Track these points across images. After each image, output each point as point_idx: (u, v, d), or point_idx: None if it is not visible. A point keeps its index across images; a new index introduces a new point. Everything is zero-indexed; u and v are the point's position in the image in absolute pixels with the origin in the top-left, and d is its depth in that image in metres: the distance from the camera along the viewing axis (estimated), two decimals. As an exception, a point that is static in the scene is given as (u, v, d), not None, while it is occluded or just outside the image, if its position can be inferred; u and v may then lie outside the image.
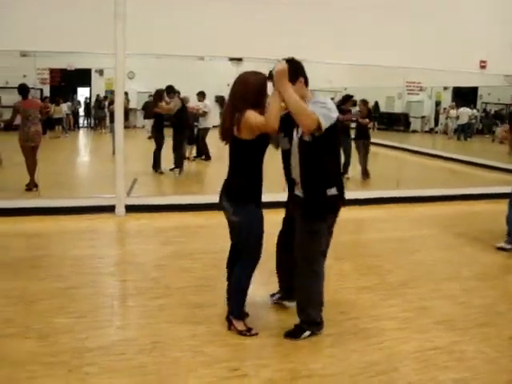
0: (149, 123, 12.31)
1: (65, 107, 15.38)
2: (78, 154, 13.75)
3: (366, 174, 8.99)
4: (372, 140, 13.05)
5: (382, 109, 18.12)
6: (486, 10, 7.58)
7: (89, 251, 4.98)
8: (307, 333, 3.32)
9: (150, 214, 6.40)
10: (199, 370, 2.93)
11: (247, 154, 3.16)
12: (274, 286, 3.87)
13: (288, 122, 3.11)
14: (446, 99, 16.92)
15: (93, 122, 17.40)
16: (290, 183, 3.40)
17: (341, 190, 3.26)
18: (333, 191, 3.19)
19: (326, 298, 3.44)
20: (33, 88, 17.75)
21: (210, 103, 10.63)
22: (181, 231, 5.93)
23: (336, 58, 6.93)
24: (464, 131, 16.09)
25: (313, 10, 6.66)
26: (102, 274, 4.37)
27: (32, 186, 7.08)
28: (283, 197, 3.59)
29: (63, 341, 3.20)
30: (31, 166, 7.18)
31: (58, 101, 15.39)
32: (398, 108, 17.93)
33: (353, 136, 9.27)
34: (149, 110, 10.48)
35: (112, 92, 18.17)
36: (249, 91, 3.09)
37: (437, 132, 17.41)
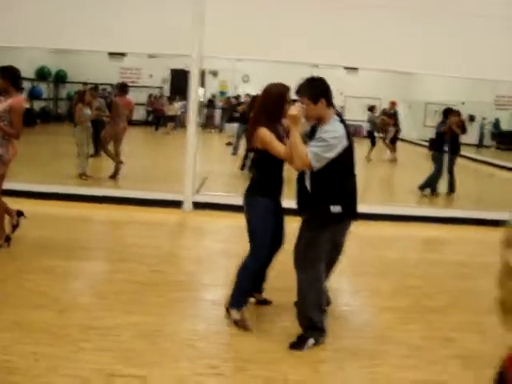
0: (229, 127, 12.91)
1: (179, 105, 16.42)
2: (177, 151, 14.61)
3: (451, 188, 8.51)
4: (490, 160, 12.09)
5: (505, 126, 16.69)
6: None
7: (142, 241, 5.34)
8: (311, 341, 3.28)
9: (216, 212, 6.63)
10: (181, 362, 3.04)
11: (264, 160, 3.33)
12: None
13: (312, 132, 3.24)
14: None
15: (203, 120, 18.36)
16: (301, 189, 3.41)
17: (348, 207, 3.22)
18: (337, 209, 3.17)
19: (344, 314, 3.45)
20: (157, 87, 19.28)
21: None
22: (238, 231, 6.01)
23: (451, 71, 6.72)
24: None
25: (421, 19, 6.42)
26: (142, 263, 4.66)
27: (115, 174, 7.85)
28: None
29: (77, 316, 3.51)
30: (116, 157, 7.96)
31: (172, 99, 16.50)
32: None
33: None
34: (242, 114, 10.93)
35: (226, 93, 19.08)
36: (268, 102, 3.29)
37: None
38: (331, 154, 3.05)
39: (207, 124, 17.66)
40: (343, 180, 3.22)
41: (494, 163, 13.91)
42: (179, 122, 16.39)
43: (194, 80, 6.48)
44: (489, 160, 14.44)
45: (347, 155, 3.15)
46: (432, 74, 7.97)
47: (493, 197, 8.91)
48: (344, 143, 3.09)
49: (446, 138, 8.53)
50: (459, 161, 9.12)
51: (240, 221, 6.27)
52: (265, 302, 3.86)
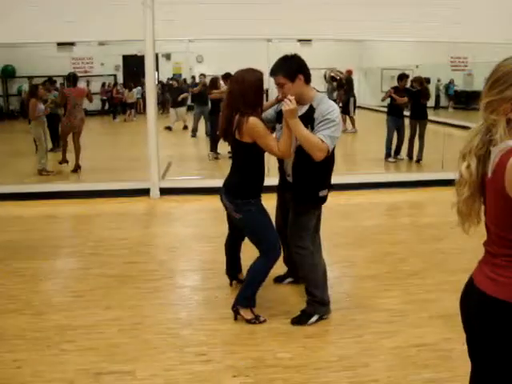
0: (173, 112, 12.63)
1: (135, 92, 16.02)
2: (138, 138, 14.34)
3: (420, 156, 8.57)
4: (447, 121, 12.27)
5: (460, 87, 17.02)
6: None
7: (112, 233, 5.21)
8: (314, 317, 3.30)
9: (183, 197, 6.53)
10: (167, 353, 2.99)
11: (247, 154, 3.16)
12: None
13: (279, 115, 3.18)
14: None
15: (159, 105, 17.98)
16: (282, 171, 3.40)
17: (330, 187, 3.27)
18: (324, 192, 3.21)
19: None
20: (109, 75, 18.69)
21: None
22: (207, 214, 5.99)
23: (411, 35, 6.69)
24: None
25: None
26: (115, 256, 4.55)
27: (77, 168, 7.65)
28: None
29: (53, 318, 3.40)
30: (77, 150, 7.68)
31: (131, 86, 16.07)
32: (477, 86, 16.73)
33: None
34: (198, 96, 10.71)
35: (180, 75, 18.66)
36: (247, 90, 3.06)
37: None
38: (339, 133, 3.02)
39: (163, 108, 17.30)
40: (330, 163, 3.20)
41: (451, 123, 14.21)
42: (136, 108, 16.01)
43: (149, 65, 6.30)
44: (446, 121, 14.73)
45: None
46: (385, 39, 7.96)
47: (454, 156, 9.04)
48: (340, 126, 3.07)
49: (403, 104, 8.62)
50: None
51: (208, 203, 6.27)
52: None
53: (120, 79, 17.97)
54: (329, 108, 3.02)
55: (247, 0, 6.19)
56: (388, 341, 3.12)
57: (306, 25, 6.35)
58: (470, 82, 17.21)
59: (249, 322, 3.30)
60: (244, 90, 3.05)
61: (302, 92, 3.05)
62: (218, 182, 6.73)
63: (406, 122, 8.78)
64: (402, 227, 5.48)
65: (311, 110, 3.05)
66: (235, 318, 3.33)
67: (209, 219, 5.80)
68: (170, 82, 15.52)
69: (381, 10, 6.39)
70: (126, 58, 17.58)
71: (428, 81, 16.27)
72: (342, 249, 4.71)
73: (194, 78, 16.09)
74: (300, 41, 8.93)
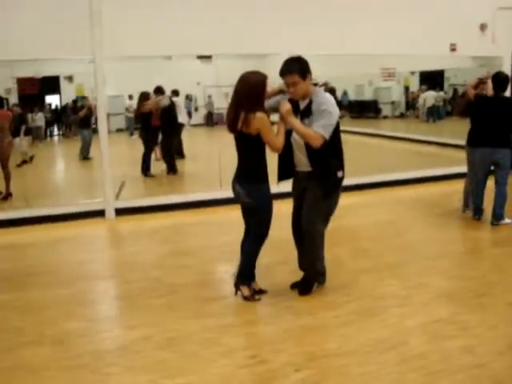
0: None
1: (38, 116, 15.10)
2: (57, 162, 13.64)
3: None
4: (345, 128, 13.12)
5: (352, 97, 18.40)
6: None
7: (85, 256, 4.99)
8: (315, 285, 3.85)
9: (140, 216, 6.41)
10: (218, 361, 3.00)
11: (254, 144, 3.51)
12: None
13: (292, 104, 3.49)
14: (414, 84, 17.32)
15: (65, 128, 17.13)
16: (287, 162, 3.73)
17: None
18: (340, 174, 3.61)
19: (326, 283, 3.91)
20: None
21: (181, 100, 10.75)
22: (174, 230, 5.97)
23: (309, 49, 6.92)
24: (432, 114, 16.49)
25: (281, 2, 6.72)
26: (104, 278, 4.40)
27: (7, 195, 7.13)
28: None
29: (79, 344, 3.24)
30: (6, 176, 7.17)
31: (34, 110, 15.12)
32: (368, 95, 18.25)
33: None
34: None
35: (83, 98, 17.94)
36: (250, 90, 3.43)
37: (407, 116, 17.81)
38: (335, 120, 3.41)
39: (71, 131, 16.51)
40: (340, 146, 3.59)
41: (349, 130, 15.45)
42: (40, 133, 15.08)
43: (99, 83, 6.14)
44: (346, 129, 15.90)
45: (338, 122, 3.49)
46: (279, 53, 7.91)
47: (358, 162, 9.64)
48: (337, 110, 3.43)
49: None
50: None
51: (167, 220, 6.22)
52: (261, 292, 3.87)
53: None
54: (323, 100, 3.46)
55: (144, 18, 6.17)
56: (411, 321, 3.43)
57: (205, 40, 6.38)
58: (361, 92, 18.69)
59: (246, 298, 3.71)
60: (248, 90, 3.43)
61: (308, 88, 3.50)
62: (173, 198, 6.77)
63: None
64: (365, 226, 5.89)
65: (311, 103, 3.49)
66: (236, 293, 3.77)
67: (177, 234, 5.79)
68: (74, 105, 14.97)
69: (284, 26, 6.64)
70: (20, 80, 16.53)
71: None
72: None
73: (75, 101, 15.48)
74: (200, 57, 9.13)
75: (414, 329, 3.32)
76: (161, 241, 5.55)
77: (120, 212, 6.39)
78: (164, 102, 8.83)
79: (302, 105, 3.55)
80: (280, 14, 6.69)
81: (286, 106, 3.42)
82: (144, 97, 9.03)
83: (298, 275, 3.95)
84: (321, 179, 3.54)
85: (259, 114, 3.37)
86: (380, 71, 8.98)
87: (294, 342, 3.21)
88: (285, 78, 3.46)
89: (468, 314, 3.52)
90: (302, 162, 3.62)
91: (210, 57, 8.58)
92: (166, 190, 8.01)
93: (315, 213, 3.64)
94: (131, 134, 14.56)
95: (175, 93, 10.64)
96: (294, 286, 3.95)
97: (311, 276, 3.86)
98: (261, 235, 3.68)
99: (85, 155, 10.95)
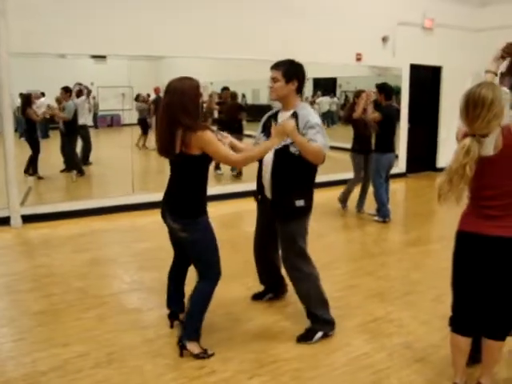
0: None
1: None
2: None
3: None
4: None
5: (249, 101, 18.75)
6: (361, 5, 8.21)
7: (-5, 269, 4.52)
8: (320, 334, 3.27)
9: (49, 223, 5.95)
10: (167, 374, 2.87)
11: (194, 167, 2.95)
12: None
13: (269, 122, 3.28)
14: (308, 89, 18.10)
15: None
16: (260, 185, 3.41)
17: (311, 200, 3.28)
18: (300, 203, 3.18)
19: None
20: None
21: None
22: (89, 237, 5.61)
23: (202, 52, 6.84)
24: (326, 119, 17.32)
25: (172, 4, 6.61)
26: (23, 292, 4.01)
27: None
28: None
29: (9, 368, 2.91)
30: None
31: None
32: (263, 100, 18.71)
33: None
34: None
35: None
36: (187, 101, 2.86)
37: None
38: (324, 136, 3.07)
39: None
40: (314, 171, 3.25)
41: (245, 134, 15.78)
42: None
43: (5, 84, 5.61)
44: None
45: None
46: (183, 56, 7.75)
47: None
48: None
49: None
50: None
51: (79, 226, 5.84)
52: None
53: None
54: (309, 115, 3.12)
55: (33, 12, 5.73)
56: (349, 322, 3.54)
57: (100, 40, 6.18)
58: (257, 97, 19.12)
59: (197, 356, 3.01)
60: (184, 102, 2.84)
61: (288, 96, 3.17)
62: (83, 204, 6.36)
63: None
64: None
65: (294, 115, 3.13)
66: (181, 355, 3.03)
67: (93, 242, 5.45)
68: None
69: (177, 27, 6.60)
70: None
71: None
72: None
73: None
74: (94, 57, 8.79)
75: (354, 329, 3.44)
76: (77, 249, 5.18)
77: (27, 219, 5.89)
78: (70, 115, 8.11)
79: (284, 116, 3.20)
80: (173, 17, 6.59)
81: (292, 124, 2.96)
82: (26, 100, 8.23)
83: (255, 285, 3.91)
84: (276, 207, 3.24)
85: (205, 132, 2.82)
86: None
87: (240, 350, 3.15)
88: (271, 71, 3.19)
89: (400, 312, 3.72)
90: (266, 187, 3.31)
91: (104, 57, 8.23)
92: (75, 196, 7.51)
93: (289, 252, 3.26)
94: (21, 136, 13.43)
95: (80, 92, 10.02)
96: (255, 297, 3.87)
97: (315, 325, 3.30)
98: (215, 278, 3.06)
99: None
